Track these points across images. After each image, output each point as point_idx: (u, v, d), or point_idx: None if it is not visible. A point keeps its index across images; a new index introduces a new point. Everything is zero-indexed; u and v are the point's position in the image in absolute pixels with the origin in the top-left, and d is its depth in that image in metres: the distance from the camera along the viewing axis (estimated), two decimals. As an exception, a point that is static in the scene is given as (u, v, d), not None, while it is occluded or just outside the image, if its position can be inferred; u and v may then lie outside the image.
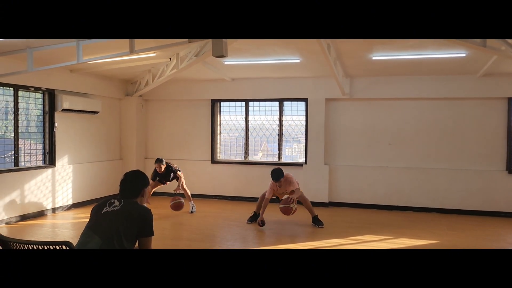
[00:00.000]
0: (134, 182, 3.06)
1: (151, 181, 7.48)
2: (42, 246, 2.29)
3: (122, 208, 2.88)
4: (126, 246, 2.80)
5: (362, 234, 6.12)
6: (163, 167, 7.37)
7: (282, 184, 6.53)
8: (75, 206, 7.90)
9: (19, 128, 6.81)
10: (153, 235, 2.95)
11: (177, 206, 7.24)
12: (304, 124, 8.52)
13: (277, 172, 6.45)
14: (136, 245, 2.96)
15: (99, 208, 2.92)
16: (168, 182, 7.67)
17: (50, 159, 7.41)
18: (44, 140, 7.35)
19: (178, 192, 7.45)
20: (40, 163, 7.30)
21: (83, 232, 2.83)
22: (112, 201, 2.94)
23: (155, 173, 7.46)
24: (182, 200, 7.30)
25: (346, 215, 7.53)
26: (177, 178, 7.52)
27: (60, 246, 2.28)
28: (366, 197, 8.11)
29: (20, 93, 6.82)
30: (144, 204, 3.13)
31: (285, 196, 6.55)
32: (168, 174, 7.47)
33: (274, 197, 6.87)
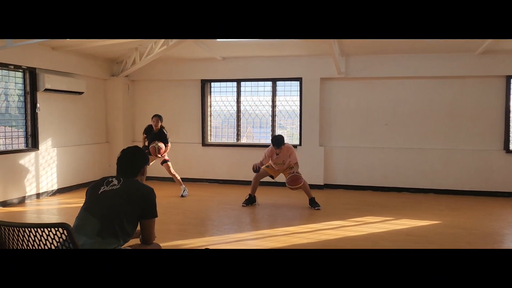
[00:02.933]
0: (133, 160, 2.78)
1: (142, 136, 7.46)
2: (36, 229, 2.00)
3: (122, 187, 2.60)
4: (127, 229, 2.54)
5: (362, 216, 5.95)
6: (159, 124, 7.14)
7: (281, 153, 6.29)
8: (60, 191, 7.53)
9: (-2, 109, 6.40)
10: (156, 216, 2.69)
11: (154, 150, 7.03)
12: (298, 104, 8.27)
13: (279, 139, 6.21)
14: (138, 227, 2.71)
15: (96, 188, 2.64)
16: (154, 159, 7.22)
17: (33, 142, 7.00)
18: (26, 122, 6.92)
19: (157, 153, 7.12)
20: (22, 146, 6.89)
21: (78, 215, 2.55)
22: (110, 179, 2.66)
23: (148, 129, 7.26)
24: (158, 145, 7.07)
25: (342, 197, 7.36)
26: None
27: (56, 229, 1.99)
28: (362, 179, 7.95)
29: (-2, 71, 6.39)
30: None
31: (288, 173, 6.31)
32: (160, 135, 7.17)
33: (271, 178, 6.66)
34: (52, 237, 2.01)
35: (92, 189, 2.66)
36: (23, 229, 2.01)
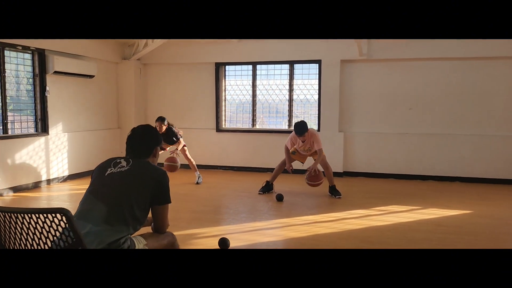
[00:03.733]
0: (144, 139, 2.49)
1: None
2: (30, 215, 1.72)
3: (131, 169, 2.31)
4: (137, 216, 2.25)
5: (387, 205, 5.61)
6: (164, 127, 6.69)
7: (306, 139, 5.95)
8: (71, 177, 7.33)
9: (7, 92, 6.15)
10: (169, 202, 2.40)
11: (171, 168, 6.62)
12: (317, 88, 7.90)
13: (302, 125, 5.82)
14: (150, 215, 2.42)
15: (102, 169, 2.35)
16: (167, 148, 7.03)
17: (42, 127, 6.78)
18: (35, 106, 6.69)
19: (174, 155, 6.77)
20: (32, 131, 6.67)
21: (82, 200, 2.27)
22: (118, 160, 2.37)
23: None
24: (178, 164, 6.69)
25: (364, 185, 7.02)
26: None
27: (54, 215, 1.70)
28: (384, 166, 7.57)
29: (6, 52, 6.13)
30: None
31: (308, 171, 5.97)
32: (169, 136, 6.79)
33: (295, 164, 6.34)
34: (49, 224, 1.73)
35: (98, 170, 2.38)
36: (15, 214, 1.72)
